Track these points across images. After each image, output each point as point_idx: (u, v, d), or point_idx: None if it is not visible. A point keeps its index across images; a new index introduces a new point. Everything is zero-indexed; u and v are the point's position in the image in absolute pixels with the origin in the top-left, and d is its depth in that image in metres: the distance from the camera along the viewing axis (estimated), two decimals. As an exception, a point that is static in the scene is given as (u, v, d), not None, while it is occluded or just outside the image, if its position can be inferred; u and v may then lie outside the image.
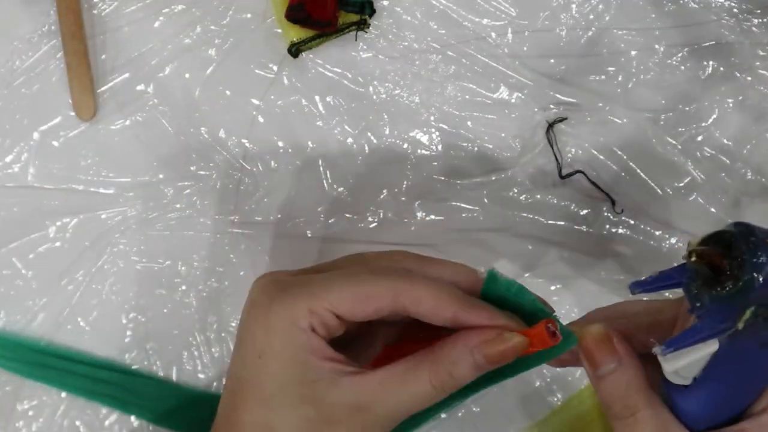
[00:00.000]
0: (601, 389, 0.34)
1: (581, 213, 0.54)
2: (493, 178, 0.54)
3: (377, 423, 0.35)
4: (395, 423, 0.36)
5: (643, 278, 0.33)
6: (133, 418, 0.51)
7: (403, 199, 0.54)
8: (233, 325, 0.52)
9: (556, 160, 0.54)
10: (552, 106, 0.55)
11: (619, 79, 0.55)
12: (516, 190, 0.54)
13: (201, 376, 0.52)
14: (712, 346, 0.31)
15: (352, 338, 0.38)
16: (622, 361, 0.34)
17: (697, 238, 0.31)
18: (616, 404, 0.34)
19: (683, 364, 0.32)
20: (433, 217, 0.54)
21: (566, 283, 0.53)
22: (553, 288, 0.53)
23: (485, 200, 0.54)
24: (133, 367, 0.51)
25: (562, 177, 0.54)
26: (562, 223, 0.54)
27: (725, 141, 0.55)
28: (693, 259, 0.30)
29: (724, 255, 0.30)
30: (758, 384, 0.33)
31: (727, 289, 0.30)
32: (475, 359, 0.34)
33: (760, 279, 0.29)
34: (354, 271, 0.37)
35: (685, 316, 0.33)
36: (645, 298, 0.39)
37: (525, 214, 0.54)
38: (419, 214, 0.54)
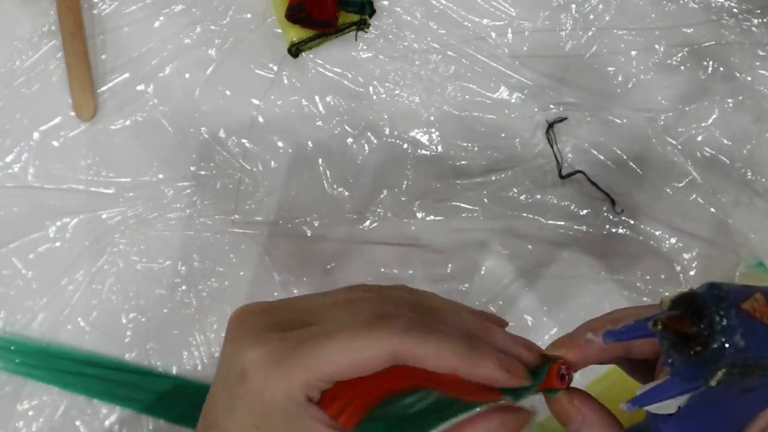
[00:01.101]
0: None
1: (581, 213, 0.54)
2: (493, 178, 0.54)
3: None
4: None
5: (616, 328, 0.32)
6: (131, 415, 0.51)
7: (403, 199, 0.54)
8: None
9: (556, 160, 0.54)
10: (552, 106, 0.55)
11: (619, 79, 0.55)
12: (516, 190, 0.54)
13: (201, 376, 0.52)
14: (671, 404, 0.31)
15: None
16: (586, 421, 0.34)
17: (669, 297, 0.31)
18: None
19: (659, 406, 0.32)
20: (433, 217, 0.54)
21: (566, 283, 0.53)
22: (553, 288, 0.53)
23: (485, 200, 0.54)
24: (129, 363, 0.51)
25: (562, 177, 0.54)
26: (562, 223, 0.54)
27: (725, 141, 0.55)
28: (658, 327, 0.29)
29: (692, 320, 0.29)
30: (743, 419, 0.33)
31: (697, 353, 0.29)
32: None
33: (730, 346, 0.28)
34: (349, 331, 0.33)
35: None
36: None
37: (525, 214, 0.54)
38: (419, 214, 0.54)
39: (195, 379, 0.52)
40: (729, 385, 0.30)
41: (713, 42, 0.55)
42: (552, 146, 0.54)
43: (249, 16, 0.55)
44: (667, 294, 0.31)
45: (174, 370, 0.52)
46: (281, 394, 0.33)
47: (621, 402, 0.31)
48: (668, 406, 0.32)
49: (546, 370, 0.34)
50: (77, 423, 0.50)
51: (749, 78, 0.55)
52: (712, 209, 0.54)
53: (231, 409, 0.35)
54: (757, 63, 0.55)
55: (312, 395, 0.33)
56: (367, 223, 0.53)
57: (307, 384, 0.33)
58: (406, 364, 0.33)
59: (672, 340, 0.30)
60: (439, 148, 0.54)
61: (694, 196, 0.54)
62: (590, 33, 0.55)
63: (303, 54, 0.54)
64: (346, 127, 0.54)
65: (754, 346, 0.29)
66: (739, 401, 0.32)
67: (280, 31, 0.54)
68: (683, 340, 0.30)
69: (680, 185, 0.54)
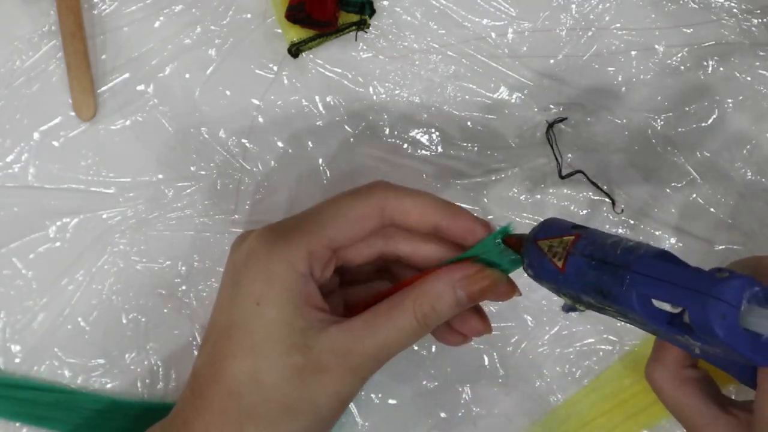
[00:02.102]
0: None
1: (581, 213, 0.54)
2: (493, 178, 0.54)
3: (364, 365, 0.35)
4: (381, 363, 0.36)
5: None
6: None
7: (403, 199, 0.54)
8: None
9: (556, 160, 0.54)
10: (552, 106, 0.55)
11: (619, 79, 0.55)
12: (516, 190, 0.54)
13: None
14: None
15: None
16: None
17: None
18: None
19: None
20: (433, 217, 0.54)
21: (566, 283, 0.53)
22: (553, 288, 0.53)
23: (485, 200, 0.54)
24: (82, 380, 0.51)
25: (562, 177, 0.54)
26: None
27: (725, 141, 0.55)
28: (499, 241, 0.37)
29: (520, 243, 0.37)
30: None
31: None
32: (456, 295, 0.36)
33: (527, 270, 0.36)
34: (339, 198, 0.38)
35: None
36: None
37: (525, 214, 0.54)
38: (419, 214, 0.54)
39: (133, 399, 0.51)
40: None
41: (713, 42, 0.55)
42: (552, 146, 0.54)
43: (249, 16, 0.55)
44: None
45: (173, 371, 0.52)
46: (286, 263, 0.35)
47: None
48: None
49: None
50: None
51: (749, 78, 0.55)
52: (712, 209, 0.54)
53: (233, 297, 0.36)
54: (757, 63, 0.55)
55: (313, 268, 0.35)
56: (367, 223, 0.53)
57: (309, 252, 0.35)
58: (392, 222, 0.37)
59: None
60: (439, 148, 0.54)
61: (694, 196, 0.54)
62: (590, 33, 0.55)
63: (303, 54, 0.54)
64: (346, 127, 0.54)
65: (544, 278, 0.35)
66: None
67: (280, 31, 0.54)
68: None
69: (680, 185, 0.54)
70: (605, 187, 0.54)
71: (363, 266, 0.41)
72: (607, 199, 0.54)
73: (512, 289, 0.38)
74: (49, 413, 0.50)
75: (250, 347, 0.35)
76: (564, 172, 0.54)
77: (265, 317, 0.35)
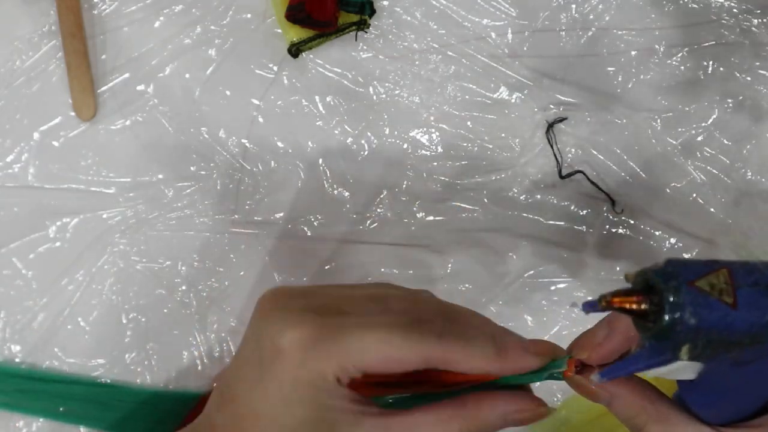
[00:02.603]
0: (612, 413, 0.36)
1: (581, 213, 0.54)
2: (493, 178, 0.54)
3: None
4: None
5: (594, 299, 0.33)
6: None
7: (403, 199, 0.54)
8: (233, 324, 0.52)
9: (556, 160, 0.54)
10: (552, 106, 0.55)
11: (619, 79, 0.55)
12: (516, 190, 0.54)
13: (201, 376, 0.52)
14: (679, 363, 0.30)
15: None
16: (612, 395, 0.36)
17: (632, 272, 0.31)
18: (627, 424, 0.36)
19: (657, 374, 0.32)
20: (433, 217, 0.54)
21: (566, 283, 0.53)
22: (553, 288, 0.53)
23: (485, 200, 0.54)
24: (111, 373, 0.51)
25: (562, 177, 0.54)
26: (562, 223, 0.54)
27: (725, 141, 0.55)
28: (602, 304, 0.30)
29: (643, 295, 0.30)
30: (758, 391, 0.33)
31: (650, 329, 0.29)
32: (506, 423, 0.36)
33: (680, 324, 0.29)
34: (387, 329, 0.35)
35: None
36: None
37: (525, 214, 0.54)
38: (419, 214, 0.54)
39: (184, 388, 0.51)
40: (710, 359, 0.30)
41: (713, 42, 0.55)
42: (552, 146, 0.54)
43: (249, 16, 0.55)
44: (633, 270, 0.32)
45: (174, 371, 0.52)
46: (315, 373, 0.34)
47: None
48: (686, 374, 0.32)
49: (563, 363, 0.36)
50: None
51: (749, 78, 0.55)
52: (712, 209, 0.54)
53: (258, 383, 0.35)
54: (757, 63, 0.55)
55: (341, 378, 0.34)
56: (367, 223, 0.53)
57: (341, 367, 0.34)
58: (435, 367, 0.35)
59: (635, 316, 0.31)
60: (439, 148, 0.54)
61: (694, 196, 0.54)
62: (590, 33, 0.55)
63: (303, 54, 0.54)
64: (346, 127, 0.54)
65: (711, 324, 0.29)
66: (746, 377, 0.32)
67: (280, 31, 0.54)
68: (642, 316, 0.30)
69: (680, 185, 0.54)
70: (605, 187, 0.54)
71: None
72: (608, 199, 0.54)
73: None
74: (80, 408, 0.50)
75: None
76: (564, 172, 0.54)
77: (293, 415, 0.34)
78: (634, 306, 0.30)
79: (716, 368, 0.31)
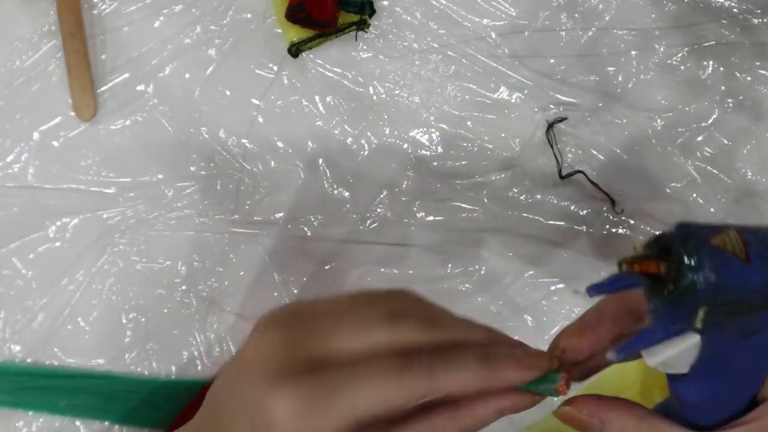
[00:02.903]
0: None
1: (581, 213, 0.54)
2: (493, 178, 0.54)
3: None
4: None
5: (599, 281, 0.32)
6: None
7: (403, 199, 0.54)
8: (233, 324, 0.52)
9: (556, 160, 0.54)
10: (552, 106, 0.55)
11: (619, 79, 0.55)
12: (516, 190, 0.54)
13: (201, 376, 0.52)
14: (689, 340, 0.30)
15: None
16: (603, 421, 0.36)
17: (642, 240, 0.31)
18: None
19: (664, 359, 0.31)
20: (433, 217, 0.54)
21: (566, 283, 0.53)
22: (553, 288, 0.53)
23: (485, 200, 0.54)
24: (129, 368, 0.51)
25: (562, 177, 0.54)
26: (562, 223, 0.54)
27: (725, 141, 0.55)
28: (623, 268, 0.29)
29: (659, 259, 0.29)
30: (757, 371, 0.33)
31: (670, 292, 0.29)
32: (501, 414, 0.36)
33: (702, 281, 0.28)
34: (378, 378, 0.34)
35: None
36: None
37: (525, 214, 0.54)
38: (419, 214, 0.54)
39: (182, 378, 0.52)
40: (722, 328, 0.30)
41: (713, 42, 0.55)
42: (552, 146, 0.54)
43: (249, 16, 0.55)
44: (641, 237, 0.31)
45: (174, 371, 0.52)
46: None
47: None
48: (680, 366, 0.32)
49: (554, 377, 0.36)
50: (77, 423, 0.50)
51: (749, 78, 0.55)
52: (712, 209, 0.54)
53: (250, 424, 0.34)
54: (757, 63, 0.55)
55: None
56: (367, 223, 0.53)
57: (336, 428, 0.33)
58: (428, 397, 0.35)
59: (648, 283, 0.30)
60: (439, 148, 0.54)
61: (694, 196, 0.54)
62: (590, 33, 0.55)
63: (303, 54, 0.54)
64: (346, 127, 0.54)
65: (729, 279, 0.29)
66: (747, 354, 0.32)
67: (280, 31, 0.54)
68: (658, 283, 0.30)
69: (680, 185, 0.54)
70: (605, 187, 0.54)
71: None
72: (608, 199, 0.54)
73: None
74: (82, 402, 0.50)
75: None
76: (564, 172, 0.54)
77: None
78: (653, 269, 0.29)
79: (717, 348, 0.31)
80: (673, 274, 0.29)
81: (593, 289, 0.32)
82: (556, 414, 0.37)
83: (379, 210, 0.54)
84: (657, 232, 0.31)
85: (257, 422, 0.34)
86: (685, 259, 0.29)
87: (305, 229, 0.53)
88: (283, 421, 0.33)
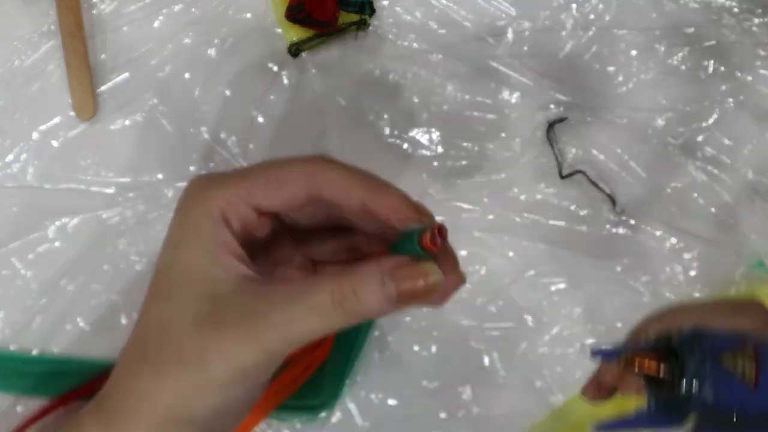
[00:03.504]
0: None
1: (581, 213, 0.54)
2: (493, 178, 0.54)
3: (266, 336, 0.32)
4: (286, 343, 0.33)
5: (604, 347, 0.32)
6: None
7: (403, 199, 0.54)
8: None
9: (557, 159, 0.54)
10: (552, 106, 0.55)
11: (619, 79, 0.55)
12: (516, 190, 0.54)
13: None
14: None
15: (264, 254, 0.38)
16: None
17: (654, 329, 0.30)
18: None
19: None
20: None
21: (566, 282, 0.53)
22: (553, 288, 0.53)
23: (485, 200, 0.54)
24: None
25: (562, 177, 0.54)
26: (562, 223, 0.54)
27: (725, 141, 0.55)
28: (622, 362, 0.29)
29: (663, 361, 0.29)
30: None
31: (666, 395, 0.29)
32: (384, 288, 0.32)
33: (697, 400, 0.28)
34: (270, 161, 0.36)
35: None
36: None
37: (525, 214, 0.54)
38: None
39: None
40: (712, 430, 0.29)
41: (713, 42, 0.55)
42: (552, 146, 0.54)
43: (249, 16, 0.55)
44: (652, 329, 0.31)
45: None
46: (200, 207, 0.35)
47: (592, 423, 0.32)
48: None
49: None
50: (77, 423, 0.50)
51: (749, 78, 0.55)
52: (712, 209, 0.54)
53: (163, 244, 0.36)
54: (757, 63, 0.55)
55: (230, 216, 0.34)
56: (367, 223, 0.53)
57: (225, 200, 0.34)
58: (320, 193, 0.35)
59: (649, 378, 0.30)
60: (439, 148, 0.54)
61: (694, 195, 0.54)
62: (590, 33, 0.55)
63: (303, 54, 0.54)
64: (347, 127, 0.54)
65: (729, 401, 0.28)
66: None
67: (280, 31, 0.54)
68: (658, 380, 0.29)
69: (680, 185, 0.54)
70: (605, 187, 0.54)
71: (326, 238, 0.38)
72: (608, 199, 0.54)
73: (447, 294, 0.34)
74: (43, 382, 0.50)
75: (164, 292, 0.34)
76: (564, 172, 0.54)
77: (181, 261, 0.34)
78: (653, 370, 0.29)
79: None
80: (673, 380, 0.29)
81: (600, 354, 0.32)
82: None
83: (379, 210, 0.54)
84: (669, 330, 0.29)
85: (180, 202, 0.36)
86: (686, 374, 0.28)
87: (305, 229, 0.53)
88: (192, 188, 0.36)
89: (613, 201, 0.53)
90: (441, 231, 0.33)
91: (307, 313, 0.32)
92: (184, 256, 0.34)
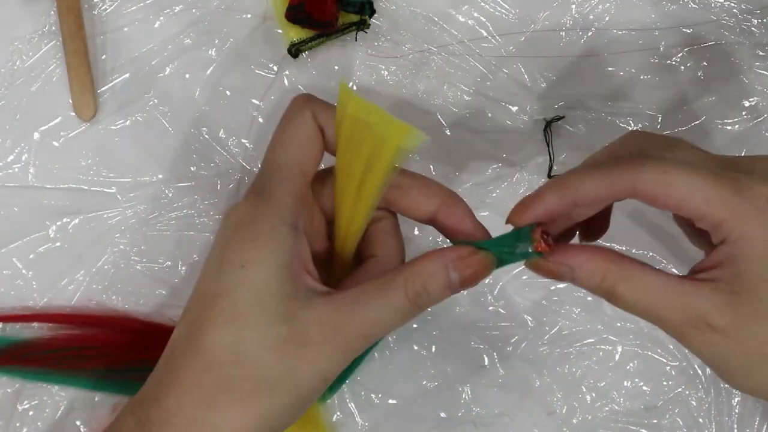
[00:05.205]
0: (579, 287, 0.36)
1: (581, 213, 0.54)
2: (493, 177, 0.54)
3: (351, 342, 0.34)
4: (369, 342, 0.35)
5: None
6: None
7: (403, 199, 0.54)
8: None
9: (550, 159, 0.54)
10: (552, 106, 0.55)
11: (619, 79, 0.55)
12: (516, 190, 0.54)
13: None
14: None
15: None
16: (573, 267, 0.35)
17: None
18: (597, 293, 0.35)
19: None
20: (433, 217, 0.54)
21: (566, 282, 0.53)
22: (553, 288, 0.53)
23: (485, 200, 0.54)
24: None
25: (550, 177, 0.54)
26: (562, 223, 0.54)
27: (725, 141, 0.55)
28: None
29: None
30: None
31: None
32: (449, 276, 0.35)
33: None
34: (282, 130, 0.38)
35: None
36: None
37: (525, 214, 0.54)
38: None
39: None
40: None
41: (713, 42, 0.55)
42: (548, 144, 0.54)
43: (249, 16, 0.55)
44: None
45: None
46: (270, 222, 0.34)
47: None
48: None
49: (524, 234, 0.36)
50: (77, 423, 0.51)
51: (749, 78, 0.55)
52: (712, 209, 0.54)
53: (220, 262, 0.35)
54: (757, 63, 0.55)
55: (301, 216, 0.35)
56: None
57: (294, 198, 0.35)
58: (394, 204, 0.38)
59: None
60: (440, 148, 0.54)
61: (694, 196, 0.54)
62: (590, 33, 0.55)
63: (303, 54, 0.54)
64: (346, 127, 0.54)
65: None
66: None
67: (280, 31, 0.54)
68: None
69: (680, 185, 0.54)
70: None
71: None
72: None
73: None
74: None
75: (233, 315, 0.33)
76: (560, 172, 0.54)
77: (250, 282, 0.33)
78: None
79: None
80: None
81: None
82: (527, 264, 0.36)
83: (379, 210, 0.54)
84: None
85: (227, 229, 0.36)
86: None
87: (305, 229, 0.53)
88: (242, 214, 0.35)
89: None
90: (546, 231, 0.36)
91: (387, 314, 0.34)
92: (255, 276, 0.33)
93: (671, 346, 0.52)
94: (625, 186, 0.34)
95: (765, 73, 0.55)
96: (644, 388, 0.52)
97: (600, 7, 0.56)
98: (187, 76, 0.54)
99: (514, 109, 0.55)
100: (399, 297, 0.34)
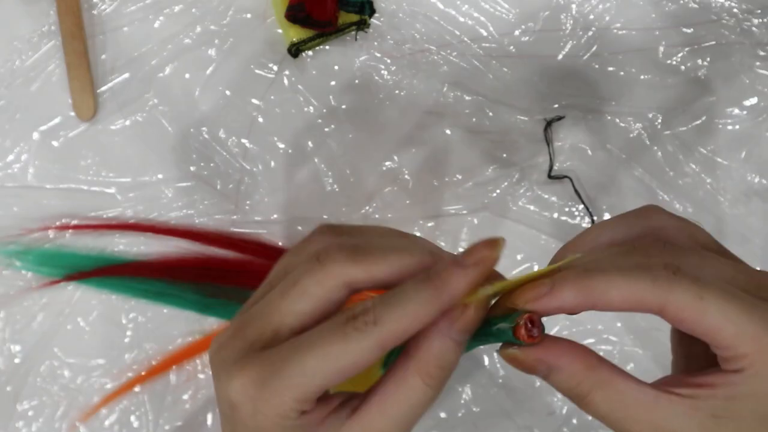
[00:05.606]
0: (551, 385, 0.34)
1: (581, 212, 0.54)
2: (493, 177, 0.54)
3: None
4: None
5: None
6: (130, 416, 0.51)
7: (405, 199, 0.54)
8: (233, 325, 0.52)
9: (550, 159, 0.54)
10: (552, 106, 0.55)
11: (619, 78, 0.55)
12: (516, 190, 0.54)
13: (201, 376, 0.52)
14: None
15: None
16: (550, 367, 0.33)
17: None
18: (569, 395, 0.34)
19: None
20: (433, 216, 0.54)
21: (566, 283, 0.53)
22: (553, 288, 0.53)
23: (485, 200, 0.54)
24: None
25: (550, 177, 0.54)
26: (565, 218, 0.54)
27: (725, 141, 0.55)
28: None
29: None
30: None
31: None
32: (453, 339, 0.33)
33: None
34: (326, 342, 0.33)
35: None
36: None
37: (525, 213, 0.54)
38: (420, 214, 0.54)
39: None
40: None
41: (713, 42, 0.55)
42: (548, 144, 0.54)
43: (249, 16, 0.55)
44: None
45: (173, 370, 0.52)
46: (274, 415, 0.33)
47: None
48: None
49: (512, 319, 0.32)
50: (77, 423, 0.51)
51: (749, 78, 0.55)
52: (713, 209, 0.54)
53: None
54: (757, 63, 0.55)
55: (306, 408, 0.33)
56: (368, 222, 0.53)
57: (298, 400, 0.33)
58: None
59: None
60: (439, 148, 0.54)
61: (693, 195, 0.54)
62: (590, 33, 0.55)
63: (303, 54, 0.54)
64: (347, 126, 0.54)
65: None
66: None
67: (280, 31, 0.54)
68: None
69: (680, 185, 0.54)
70: (602, 190, 0.54)
71: None
72: (587, 213, 0.54)
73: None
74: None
75: None
76: (560, 173, 0.54)
77: None
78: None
79: None
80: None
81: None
82: (501, 353, 0.34)
83: (379, 210, 0.54)
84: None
85: (226, 407, 0.35)
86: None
87: (305, 228, 0.53)
88: (241, 402, 0.33)
89: (591, 216, 0.53)
90: (533, 321, 0.32)
91: (414, 410, 0.33)
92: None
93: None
94: (655, 304, 0.32)
95: (765, 73, 0.55)
96: (644, 388, 0.52)
97: (600, 7, 0.56)
98: (187, 76, 0.54)
99: (514, 109, 0.55)
100: (420, 390, 0.33)
